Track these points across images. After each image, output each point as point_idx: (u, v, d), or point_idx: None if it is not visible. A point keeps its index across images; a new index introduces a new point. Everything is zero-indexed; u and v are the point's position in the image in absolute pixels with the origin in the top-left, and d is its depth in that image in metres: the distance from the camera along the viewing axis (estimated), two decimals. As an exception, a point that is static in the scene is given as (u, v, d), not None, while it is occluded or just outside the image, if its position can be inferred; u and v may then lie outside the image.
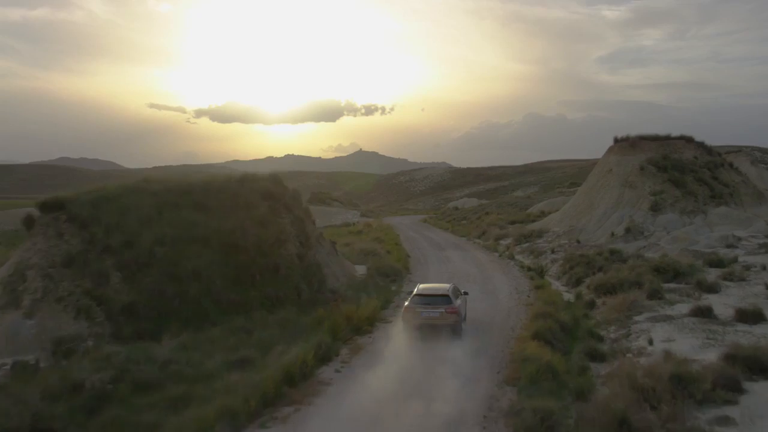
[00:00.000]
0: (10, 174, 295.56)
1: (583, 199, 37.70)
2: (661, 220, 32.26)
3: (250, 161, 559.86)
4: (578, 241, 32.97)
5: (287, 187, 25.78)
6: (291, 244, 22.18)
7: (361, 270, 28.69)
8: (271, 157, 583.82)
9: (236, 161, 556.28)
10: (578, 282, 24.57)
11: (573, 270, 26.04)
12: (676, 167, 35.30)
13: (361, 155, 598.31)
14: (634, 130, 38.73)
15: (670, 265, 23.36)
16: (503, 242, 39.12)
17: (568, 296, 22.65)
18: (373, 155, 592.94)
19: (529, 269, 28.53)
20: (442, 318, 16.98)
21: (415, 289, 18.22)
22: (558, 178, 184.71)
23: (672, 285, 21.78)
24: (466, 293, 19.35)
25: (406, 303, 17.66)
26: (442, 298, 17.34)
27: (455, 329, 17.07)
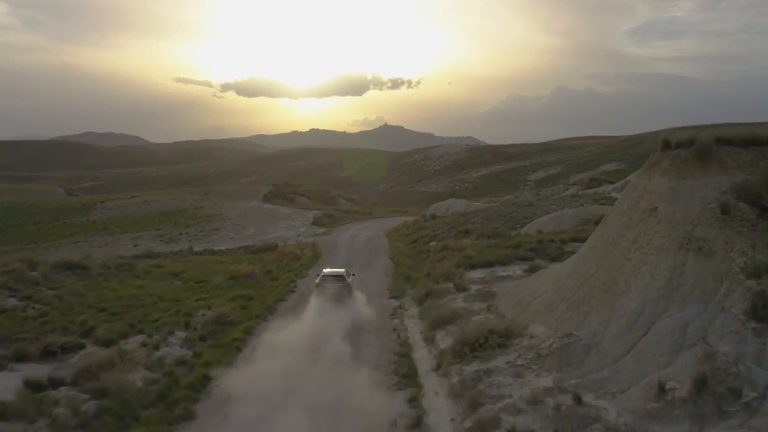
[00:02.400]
0: (20, 150, 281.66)
1: (597, 268, 17.83)
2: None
3: (275, 135, 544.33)
4: (578, 400, 13.37)
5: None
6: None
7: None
8: (296, 132, 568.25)
9: (261, 135, 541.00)
10: None
11: None
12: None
13: (386, 129, 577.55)
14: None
15: None
16: (441, 337, 19.54)
17: None
18: (399, 129, 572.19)
19: None
20: (342, 288, 25.04)
21: (322, 272, 26.64)
22: (582, 157, 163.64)
23: None
24: (354, 274, 27.77)
25: (317, 280, 25.95)
26: (340, 277, 25.63)
27: (349, 294, 25.11)
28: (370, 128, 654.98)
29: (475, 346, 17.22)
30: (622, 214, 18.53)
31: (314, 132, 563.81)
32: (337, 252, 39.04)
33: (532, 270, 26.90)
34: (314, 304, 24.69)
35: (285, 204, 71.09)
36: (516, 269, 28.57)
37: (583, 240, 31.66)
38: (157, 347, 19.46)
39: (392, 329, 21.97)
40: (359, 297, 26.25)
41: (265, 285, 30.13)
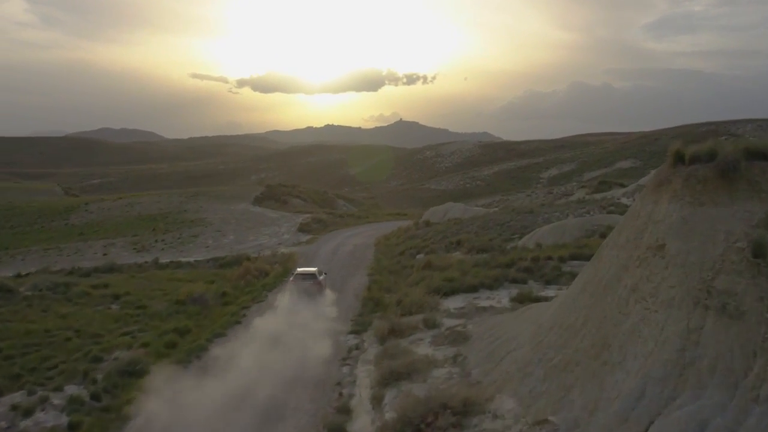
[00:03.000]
0: (31, 147, 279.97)
1: (585, 321, 13.33)
2: None
3: (290, 131, 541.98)
4: None
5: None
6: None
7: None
8: (311, 127, 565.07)
9: (276, 131, 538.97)
10: None
11: None
12: None
13: (401, 125, 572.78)
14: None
15: None
16: (390, 400, 15.18)
17: None
18: (414, 125, 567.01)
19: None
20: (312, 286, 27.18)
21: (295, 271, 29.29)
22: (596, 154, 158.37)
23: None
24: (325, 273, 30.12)
25: (290, 278, 28.50)
26: (312, 275, 27.98)
27: (320, 292, 27.11)
28: (385, 124, 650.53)
29: (420, 427, 12.83)
30: (619, 248, 14.00)
31: (329, 128, 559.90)
32: (313, 266, 34.79)
33: (521, 300, 22.50)
34: (254, 343, 20.41)
35: (277, 206, 66.93)
36: (503, 296, 24.14)
37: (585, 258, 27.28)
38: (28, 412, 15.28)
39: (337, 383, 17.60)
40: (315, 329, 21.99)
41: (214, 311, 25.93)
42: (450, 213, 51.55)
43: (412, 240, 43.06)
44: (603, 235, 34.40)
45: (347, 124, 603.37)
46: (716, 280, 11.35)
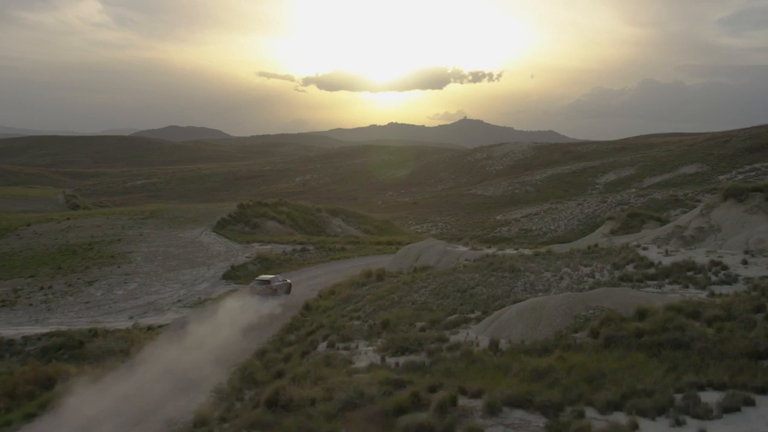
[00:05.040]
0: (88, 146, 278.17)
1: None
2: None
3: (353, 129, 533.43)
4: None
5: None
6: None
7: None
8: (375, 125, 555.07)
9: (339, 129, 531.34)
10: None
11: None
12: None
13: (465, 123, 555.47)
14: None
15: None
16: None
17: None
18: (478, 123, 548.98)
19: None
20: (266, 290, 32.61)
21: (256, 278, 34.29)
22: (659, 157, 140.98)
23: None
24: (285, 280, 35.07)
25: (251, 284, 33.41)
26: (266, 281, 33.15)
27: (272, 296, 32.64)
28: (449, 122, 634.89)
29: None
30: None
31: (393, 126, 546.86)
32: (131, 377, 22.14)
33: None
34: None
35: (247, 230, 54.83)
36: None
37: (539, 409, 14.32)
38: None
39: None
40: None
41: None
42: (424, 256, 38.06)
43: (342, 306, 30.02)
44: (595, 333, 20.75)
45: (411, 123, 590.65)
46: None
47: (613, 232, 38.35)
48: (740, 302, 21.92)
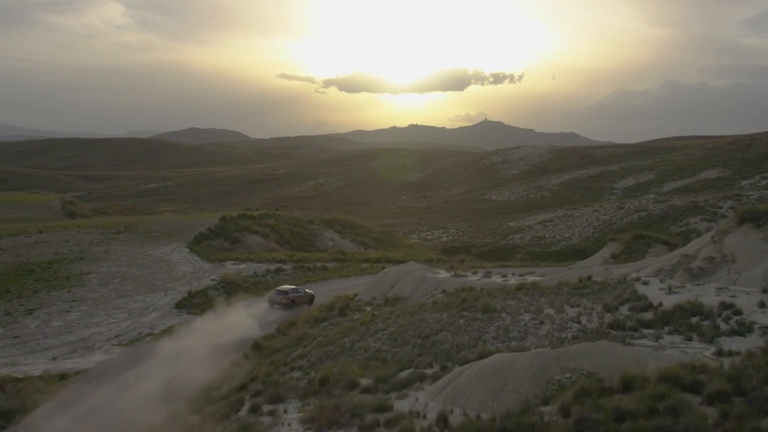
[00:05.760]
0: (105, 148, 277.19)
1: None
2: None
3: (373, 131, 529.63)
4: None
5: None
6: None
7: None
8: (395, 127, 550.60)
9: (360, 131, 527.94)
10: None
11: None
12: None
13: (485, 125, 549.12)
14: None
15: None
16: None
17: None
18: (498, 125, 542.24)
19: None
20: (282, 300, 34.34)
21: (275, 288, 36.22)
22: (680, 161, 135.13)
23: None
24: (306, 290, 36.54)
25: (271, 293, 35.29)
26: (284, 292, 34.81)
27: (290, 306, 34.22)
28: (470, 124, 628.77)
29: None
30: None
31: (413, 128, 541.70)
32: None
33: None
34: None
35: (225, 246, 50.86)
36: None
37: None
38: None
39: None
40: None
41: None
42: (399, 284, 33.62)
43: (291, 348, 25.76)
44: (566, 411, 16.33)
45: (432, 124, 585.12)
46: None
47: (614, 257, 33.65)
48: (753, 368, 17.27)
